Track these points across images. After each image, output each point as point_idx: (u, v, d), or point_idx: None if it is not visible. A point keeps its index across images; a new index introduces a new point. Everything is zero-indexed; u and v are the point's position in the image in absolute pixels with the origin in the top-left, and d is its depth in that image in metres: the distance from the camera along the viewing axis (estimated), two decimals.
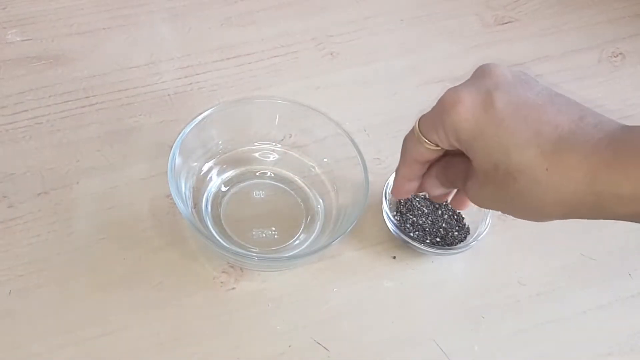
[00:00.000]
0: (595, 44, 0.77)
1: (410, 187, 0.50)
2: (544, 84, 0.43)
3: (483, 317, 0.57)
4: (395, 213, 0.60)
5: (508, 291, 0.59)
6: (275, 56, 0.71)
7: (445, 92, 0.43)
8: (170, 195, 0.54)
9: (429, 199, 0.61)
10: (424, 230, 0.59)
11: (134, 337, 0.53)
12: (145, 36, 0.71)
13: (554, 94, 0.42)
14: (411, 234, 0.58)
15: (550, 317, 0.58)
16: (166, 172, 0.54)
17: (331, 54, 0.72)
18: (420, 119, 0.46)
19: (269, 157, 0.63)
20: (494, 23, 0.78)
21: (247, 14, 0.74)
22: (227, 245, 0.56)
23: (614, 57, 0.76)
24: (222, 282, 0.56)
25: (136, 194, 0.60)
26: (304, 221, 0.60)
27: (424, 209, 0.60)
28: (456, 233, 0.59)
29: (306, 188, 0.62)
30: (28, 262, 0.55)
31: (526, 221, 0.59)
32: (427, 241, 0.58)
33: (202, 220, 0.58)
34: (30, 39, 0.69)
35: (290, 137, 0.62)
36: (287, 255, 0.57)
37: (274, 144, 0.62)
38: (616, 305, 0.59)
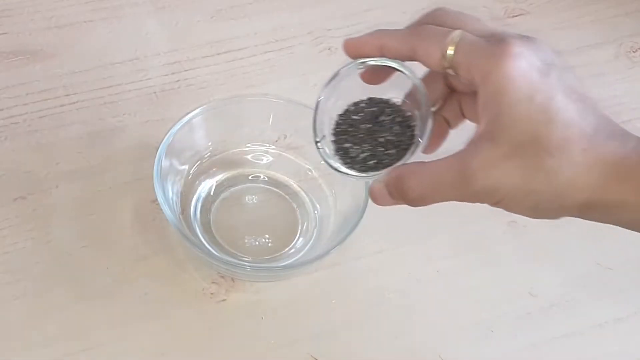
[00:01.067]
0: (613, 38, 0.78)
1: (365, 52, 0.46)
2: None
3: (492, 331, 0.58)
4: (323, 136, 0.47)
5: (519, 303, 0.59)
6: (269, 51, 0.71)
7: (511, 39, 0.43)
8: (157, 200, 0.54)
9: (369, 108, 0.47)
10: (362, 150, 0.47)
11: (118, 352, 0.54)
12: (129, 30, 0.71)
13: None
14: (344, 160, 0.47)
15: (564, 331, 0.58)
16: (152, 175, 0.55)
17: (329, 49, 0.72)
18: (462, 39, 0.45)
19: (262, 160, 0.63)
20: (505, 16, 0.78)
21: (239, 6, 0.74)
22: (218, 254, 0.57)
23: (633, 52, 0.77)
24: (212, 294, 0.57)
25: (120, 199, 0.60)
26: (299, 228, 0.61)
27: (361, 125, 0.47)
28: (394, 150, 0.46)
29: (302, 192, 0.62)
30: (4, 272, 0.56)
31: (538, 228, 0.61)
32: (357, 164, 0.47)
33: (190, 227, 0.58)
34: (6, 33, 0.69)
35: (285, 137, 0.63)
36: (281, 264, 0.58)
37: (267, 145, 0.63)
38: (635, 319, 0.59)
